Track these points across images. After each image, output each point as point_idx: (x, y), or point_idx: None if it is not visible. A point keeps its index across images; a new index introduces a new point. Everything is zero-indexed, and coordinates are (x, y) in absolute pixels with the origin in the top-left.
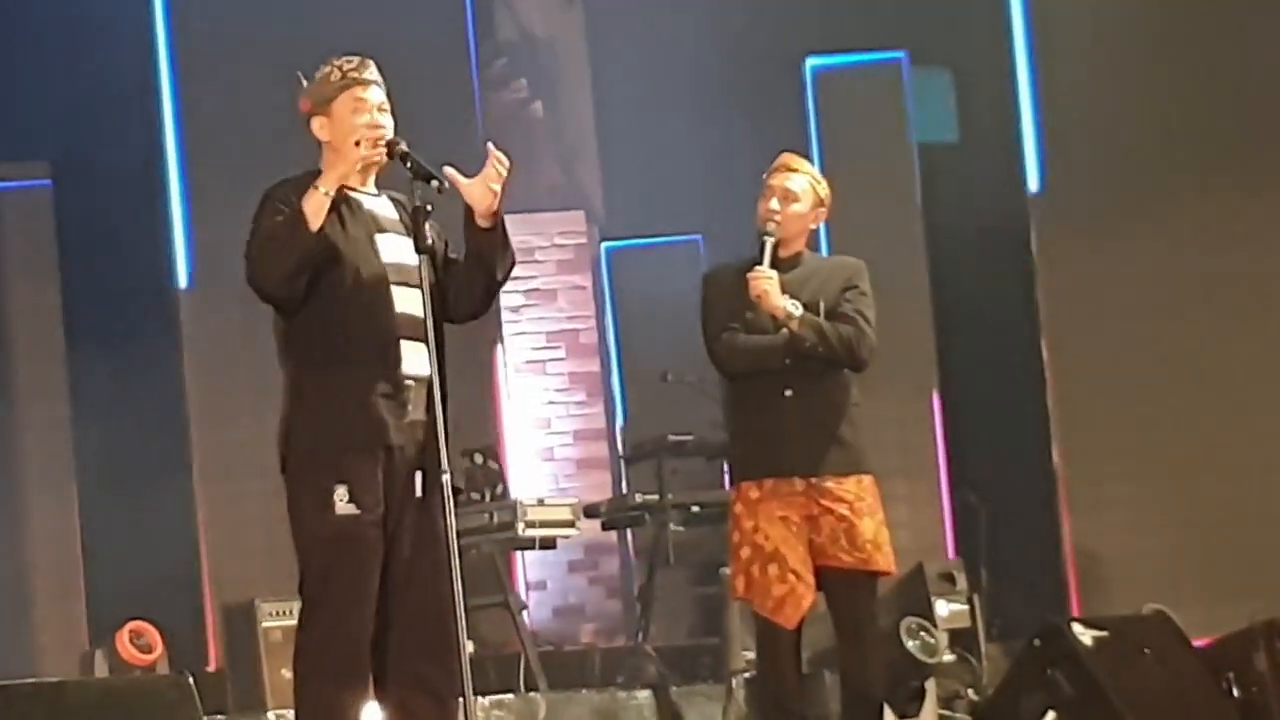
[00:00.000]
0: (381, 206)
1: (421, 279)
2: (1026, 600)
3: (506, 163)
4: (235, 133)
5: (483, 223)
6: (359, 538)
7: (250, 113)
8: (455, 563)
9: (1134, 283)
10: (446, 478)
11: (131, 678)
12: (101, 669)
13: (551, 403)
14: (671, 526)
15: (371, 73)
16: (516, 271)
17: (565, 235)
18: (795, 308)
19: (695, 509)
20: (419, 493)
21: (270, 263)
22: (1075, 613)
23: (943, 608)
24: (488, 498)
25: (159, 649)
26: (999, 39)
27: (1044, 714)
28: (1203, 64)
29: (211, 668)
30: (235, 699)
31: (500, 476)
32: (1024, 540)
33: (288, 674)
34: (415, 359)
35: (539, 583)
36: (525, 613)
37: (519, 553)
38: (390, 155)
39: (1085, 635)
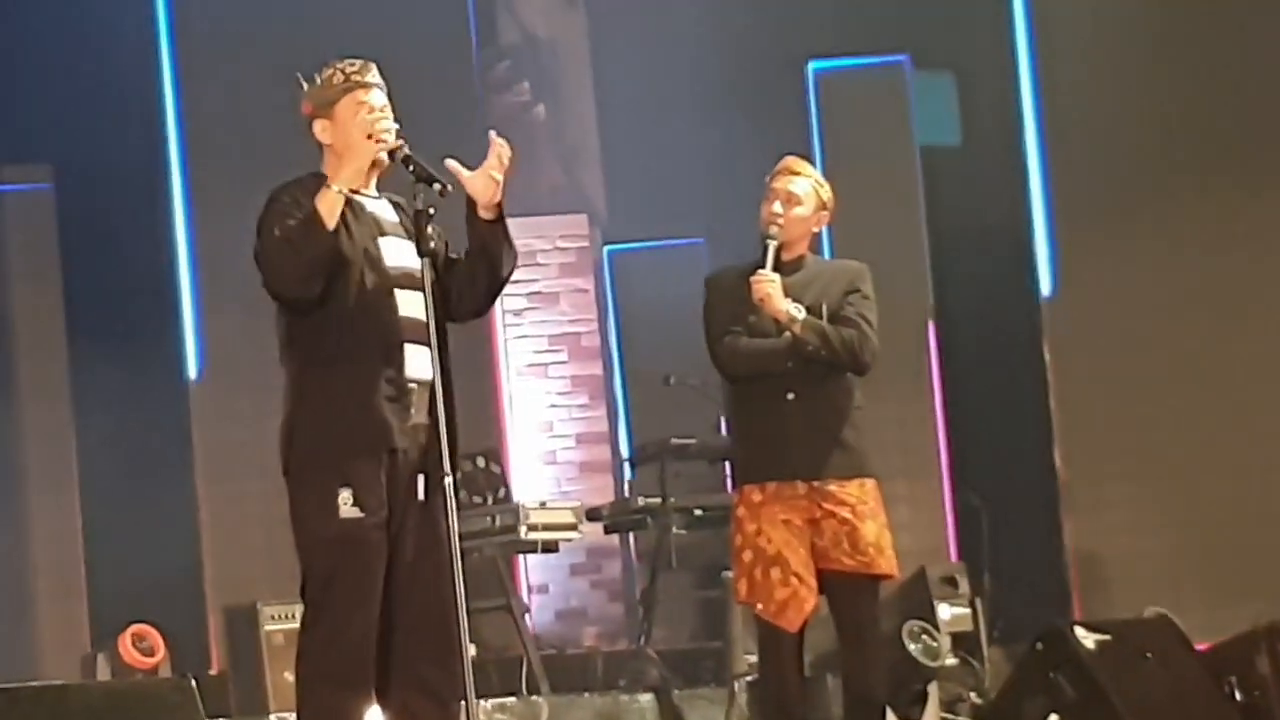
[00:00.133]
0: (383, 209)
1: (424, 282)
2: (1029, 603)
3: (509, 151)
4: (236, 134)
5: (485, 214)
6: (363, 541)
7: (251, 114)
8: (457, 566)
9: (1135, 283)
10: (449, 481)
11: (133, 680)
12: (103, 672)
13: (554, 406)
14: (674, 530)
15: (374, 75)
16: (518, 274)
17: (567, 238)
18: (798, 311)
19: (698, 512)
20: (421, 496)
21: (288, 265)
22: (1077, 616)
23: (945, 611)
24: (490, 501)
25: (161, 652)
26: (1001, 41)
27: (1046, 717)
28: (1203, 65)
29: (213, 671)
30: (237, 702)
31: (502, 480)
32: (1026, 543)
33: (290, 677)
34: (418, 362)
35: (541, 586)
36: (527, 616)
37: (521, 556)
38: (392, 158)
39: (1087, 639)
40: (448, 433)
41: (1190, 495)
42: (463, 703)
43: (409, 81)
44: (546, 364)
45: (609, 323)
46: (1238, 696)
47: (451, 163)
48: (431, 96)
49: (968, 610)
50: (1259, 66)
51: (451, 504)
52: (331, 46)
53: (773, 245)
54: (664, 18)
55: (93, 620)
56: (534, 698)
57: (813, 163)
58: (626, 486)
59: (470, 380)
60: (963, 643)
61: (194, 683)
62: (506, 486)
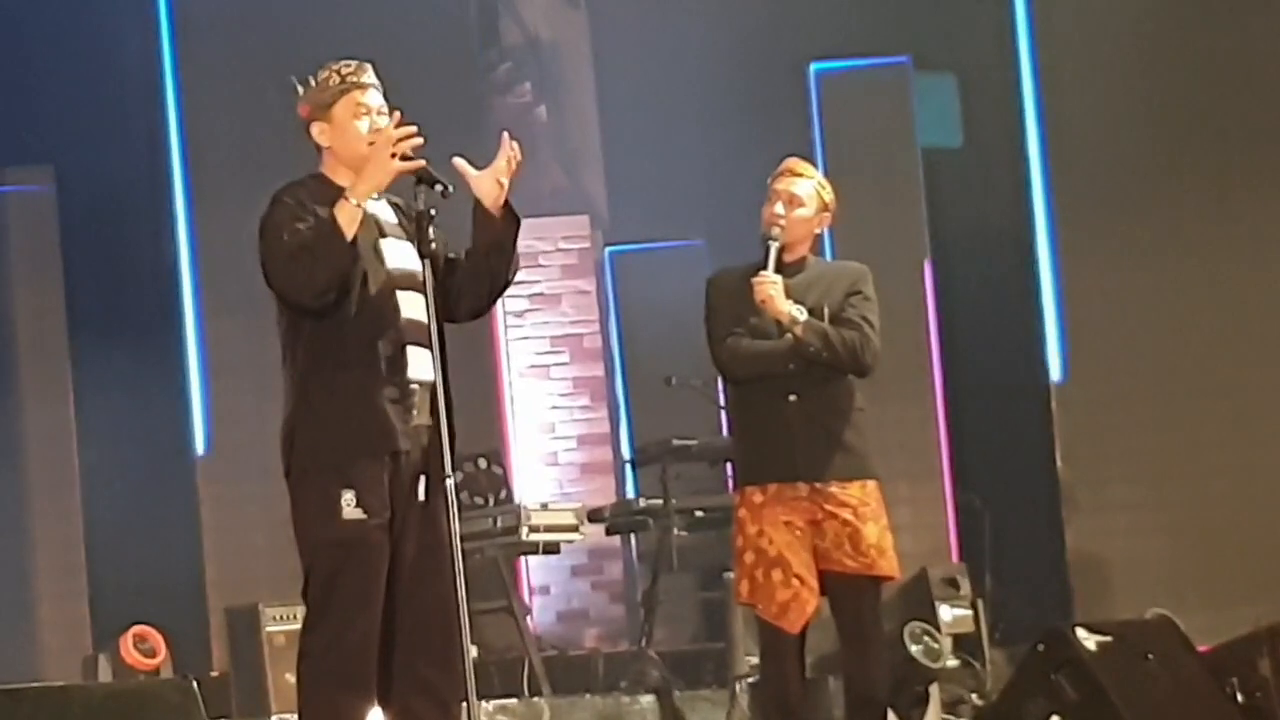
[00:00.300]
0: (383, 211)
1: (425, 283)
2: (1030, 605)
3: (519, 156)
4: (237, 135)
5: (494, 213)
6: (365, 542)
7: (253, 116)
8: (459, 567)
9: (1137, 285)
10: (450, 482)
11: (135, 682)
12: (105, 673)
13: (555, 407)
14: (675, 531)
15: (369, 76)
16: (520, 276)
17: (569, 240)
18: (800, 313)
19: (699, 513)
20: (422, 497)
21: (307, 275)
22: (1079, 617)
23: (946, 612)
24: (491, 502)
25: (162, 653)
26: (1002, 43)
27: (1048, 719)
28: (1206, 67)
29: (215, 672)
30: (238, 703)
31: (504, 481)
32: (1028, 545)
33: (291, 678)
34: (420, 364)
35: (543, 587)
36: (529, 617)
37: (523, 557)
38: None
39: (1089, 640)
40: (448, 434)
41: (1191, 497)
42: (464, 704)
43: (412, 83)
44: (548, 365)
45: (610, 324)
46: (1239, 698)
47: (459, 161)
48: (434, 98)
49: (969, 611)
50: (1260, 67)
51: (453, 505)
52: (333, 48)
53: (774, 247)
54: (666, 19)
55: (94, 621)
56: (535, 699)
57: (814, 164)
58: (628, 487)
59: (472, 382)
60: (964, 644)
61: (195, 684)
62: (508, 488)
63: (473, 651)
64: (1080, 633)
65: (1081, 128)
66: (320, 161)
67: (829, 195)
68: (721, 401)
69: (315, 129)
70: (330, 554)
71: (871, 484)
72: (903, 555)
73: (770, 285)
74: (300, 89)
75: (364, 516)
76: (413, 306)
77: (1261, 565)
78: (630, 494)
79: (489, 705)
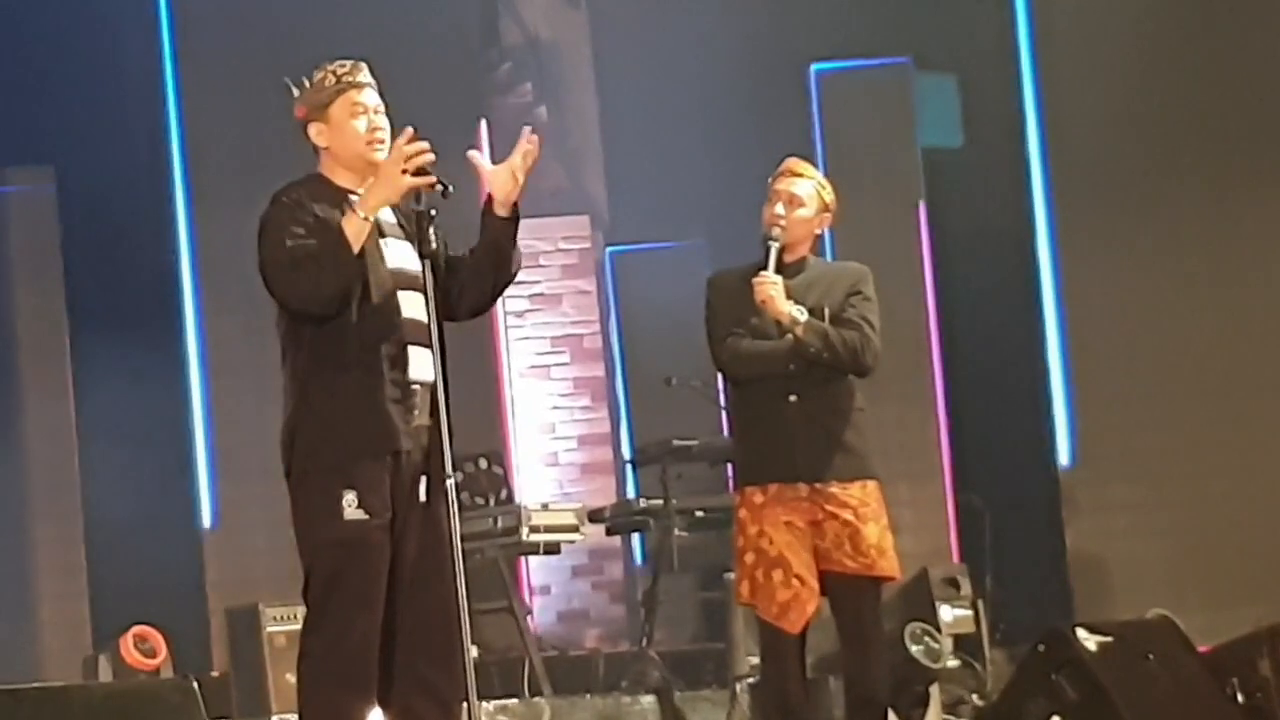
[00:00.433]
0: (382, 210)
1: (425, 283)
2: (1031, 605)
3: (537, 152)
4: (238, 135)
5: (501, 211)
6: (366, 543)
7: (253, 116)
8: (459, 567)
9: (1139, 286)
10: (451, 482)
11: (135, 682)
12: (105, 673)
13: (556, 408)
14: (676, 531)
15: (365, 75)
16: (520, 276)
17: (570, 240)
18: (800, 313)
19: (699, 514)
20: (423, 497)
21: (313, 285)
22: (1079, 618)
23: (947, 613)
24: (492, 502)
25: (163, 653)
26: (1003, 44)
27: (1048, 719)
28: (1206, 68)
29: (215, 672)
30: (239, 703)
31: (504, 481)
32: (1028, 545)
33: (292, 678)
34: (421, 364)
35: (543, 587)
36: (529, 617)
37: (523, 557)
38: None
39: (1090, 640)
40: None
41: (1192, 497)
42: (464, 704)
43: (412, 83)
44: (549, 365)
45: (611, 324)
46: (1239, 698)
47: (473, 154)
48: (435, 98)
49: (969, 612)
50: (1260, 67)
51: (453, 505)
52: (334, 48)
53: (775, 247)
54: (666, 20)
55: (94, 621)
56: (536, 699)
57: (815, 164)
58: (628, 487)
59: (472, 382)
60: (964, 644)
61: (196, 684)
62: (509, 488)
63: (473, 652)
64: (1081, 633)
65: (1082, 128)
66: (318, 162)
67: (829, 195)
68: (722, 402)
69: (313, 129)
70: (331, 554)
71: (872, 484)
72: (903, 555)
73: (771, 285)
74: (295, 90)
75: (365, 517)
76: (413, 306)
77: (1262, 565)
78: (631, 494)
79: (489, 705)
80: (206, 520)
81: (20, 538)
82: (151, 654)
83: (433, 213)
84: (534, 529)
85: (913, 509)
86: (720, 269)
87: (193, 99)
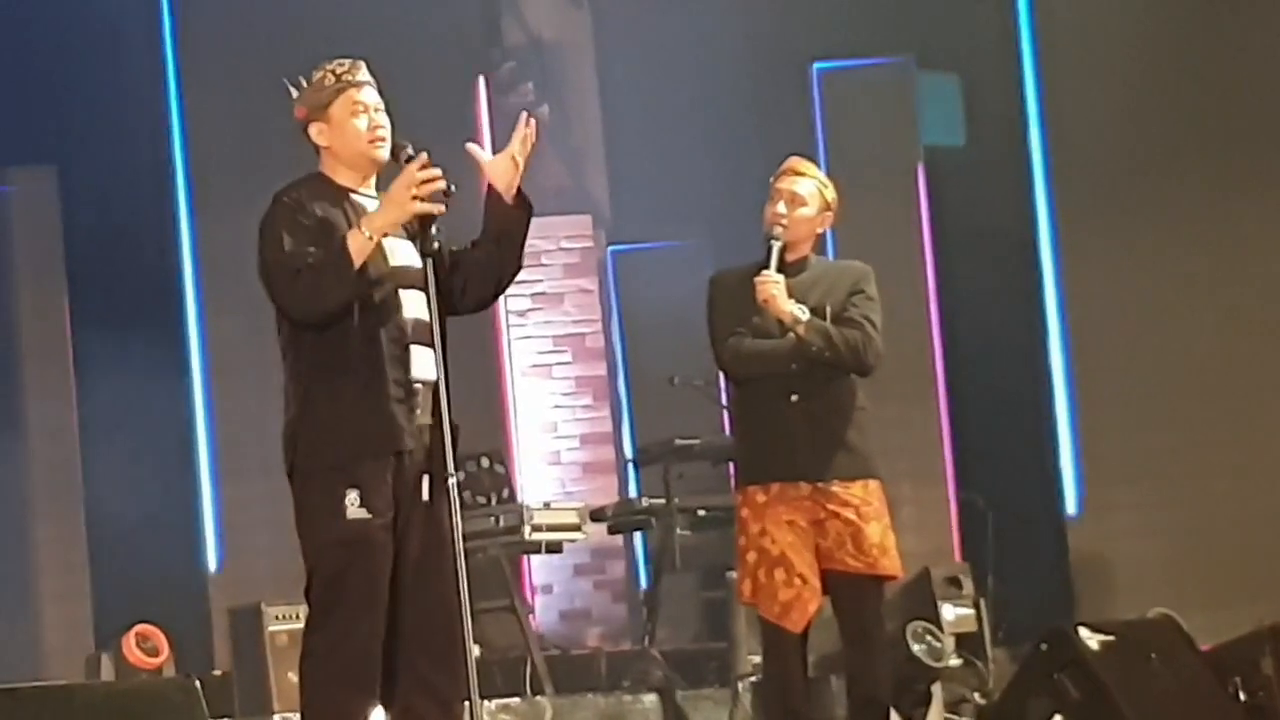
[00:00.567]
0: None
1: (427, 282)
2: (1033, 604)
3: (534, 137)
4: (240, 134)
5: (506, 198)
6: (369, 542)
7: (255, 115)
8: (461, 566)
9: (1140, 285)
10: (453, 481)
11: (137, 681)
12: (107, 672)
13: (558, 407)
14: (678, 530)
15: (364, 74)
16: (522, 275)
17: (572, 239)
18: (802, 312)
19: (701, 513)
20: (426, 496)
21: (312, 297)
22: (1081, 617)
23: (949, 612)
24: (494, 501)
25: (165, 652)
26: (1005, 43)
27: (1050, 718)
28: (1207, 67)
29: (217, 671)
30: (241, 703)
31: (507, 480)
32: (1030, 544)
33: (294, 677)
34: (423, 363)
35: (545, 586)
36: (531, 616)
37: (525, 556)
38: (396, 158)
39: (1092, 639)
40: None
41: (1194, 496)
42: (466, 703)
43: (414, 83)
44: (550, 365)
45: (613, 323)
46: (1242, 697)
47: (472, 146)
48: (437, 98)
49: (972, 611)
50: (1261, 67)
51: (455, 504)
52: (336, 47)
53: (776, 246)
54: (668, 19)
55: (97, 621)
56: (538, 698)
57: (817, 163)
58: (631, 486)
59: (475, 381)
60: (967, 643)
61: (198, 683)
62: (511, 487)
63: (475, 651)
64: (1083, 632)
65: (1084, 127)
66: (319, 161)
67: (831, 194)
68: (724, 401)
69: (313, 129)
70: (334, 554)
71: (874, 483)
72: (905, 554)
73: (772, 285)
74: (294, 91)
75: (368, 516)
76: (415, 305)
77: (1264, 564)
78: (633, 493)
79: (491, 705)
80: (208, 519)
81: (22, 537)
82: (154, 653)
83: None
84: (536, 528)
85: (915, 508)
86: (722, 268)
87: (194, 99)
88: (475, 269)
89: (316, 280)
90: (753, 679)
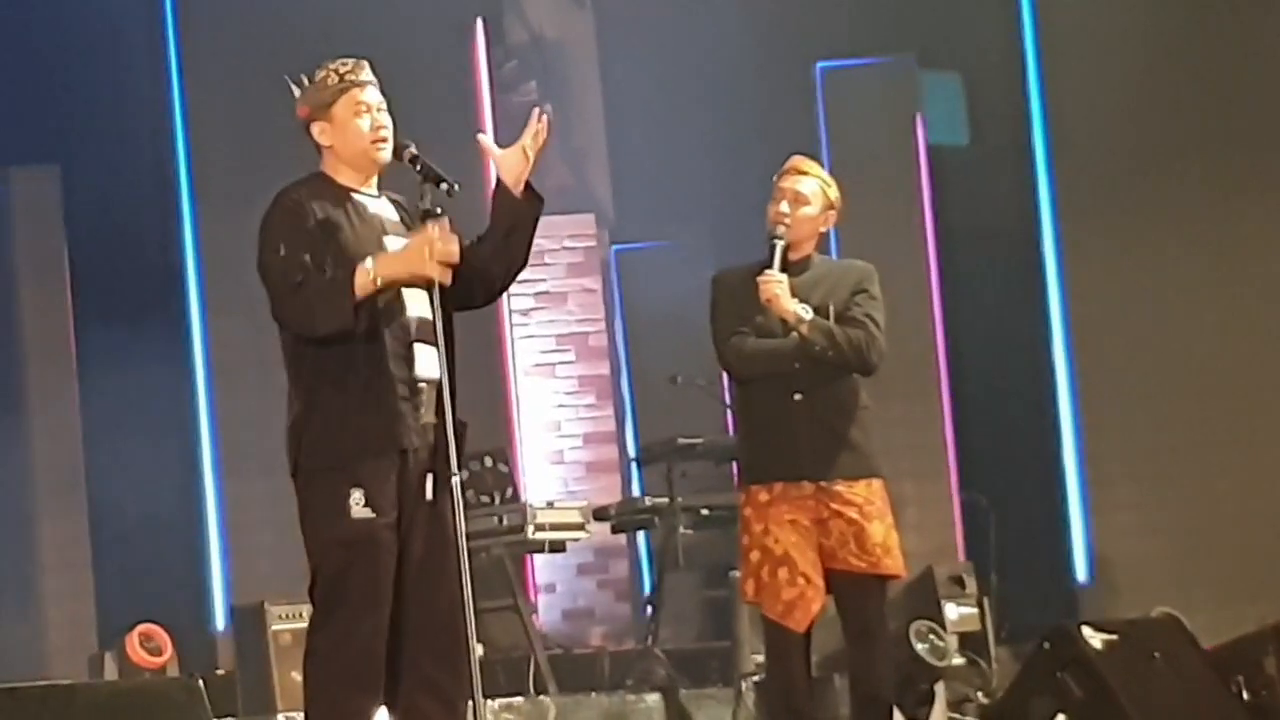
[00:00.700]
0: (385, 209)
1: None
2: (1036, 603)
3: (545, 133)
4: (242, 133)
5: (515, 191)
6: (374, 541)
7: (257, 114)
8: (465, 565)
9: (1145, 285)
10: (456, 480)
11: (141, 680)
12: (111, 672)
13: (561, 406)
14: (681, 530)
15: (367, 73)
16: (526, 274)
17: (575, 238)
18: (805, 311)
19: (705, 512)
20: (429, 495)
21: (309, 321)
22: (1085, 616)
23: (952, 611)
24: (498, 501)
25: (168, 652)
26: (1009, 42)
27: (1054, 717)
28: (1211, 65)
29: (221, 671)
30: (244, 702)
31: (510, 479)
32: (1033, 543)
33: (297, 677)
34: (426, 361)
35: (548, 585)
36: (535, 615)
37: (529, 555)
38: (399, 158)
39: (1095, 638)
40: (454, 431)
41: (1197, 495)
42: (470, 702)
43: (417, 82)
44: (554, 364)
45: (616, 323)
46: (1245, 696)
47: (483, 138)
48: (439, 97)
49: (975, 610)
50: (1265, 65)
51: (459, 503)
52: (338, 46)
53: (779, 245)
54: (671, 18)
55: (100, 620)
56: (541, 697)
57: (820, 162)
58: (634, 485)
59: (478, 380)
60: (970, 642)
61: (201, 682)
62: (514, 486)
63: (479, 650)
64: (1086, 631)
65: (1087, 125)
66: (321, 160)
67: (834, 193)
68: (727, 400)
69: (316, 129)
70: (339, 553)
71: (877, 482)
72: (908, 554)
73: (775, 284)
74: (297, 90)
75: (373, 515)
76: (419, 303)
77: (1267, 563)
78: (636, 492)
79: (495, 704)
80: (212, 518)
81: (25, 536)
82: (157, 652)
83: (439, 211)
84: (539, 527)
85: (918, 507)
86: (725, 267)
87: (196, 97)
88: (481, 264)
89: (311, 305)
90: (756, 678)
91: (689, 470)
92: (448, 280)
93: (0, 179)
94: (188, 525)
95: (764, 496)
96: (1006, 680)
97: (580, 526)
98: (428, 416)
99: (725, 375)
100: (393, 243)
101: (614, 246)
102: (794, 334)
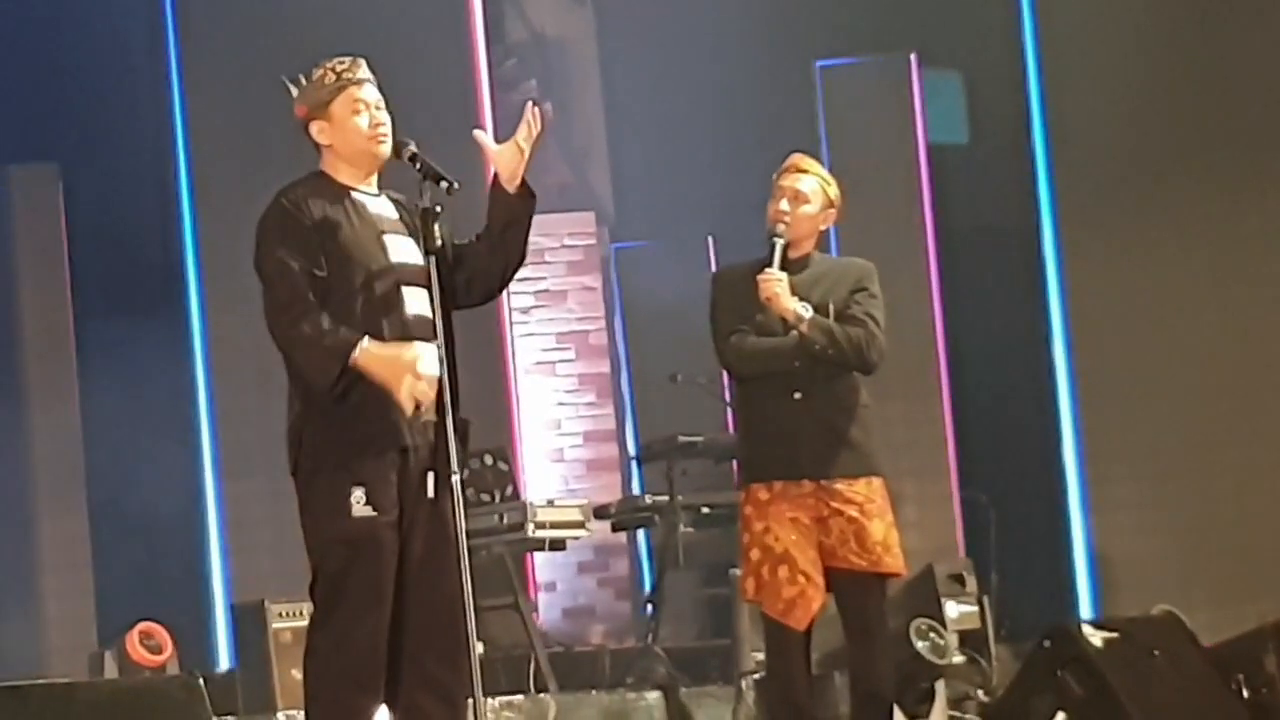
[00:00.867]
0: (384, 207)
1: (430, 279)
2: (1036, 601)
3: (539, 126)
4: (242, 132)
5: (509, 186)
6: (375, 540)
7: (258, 113)
8: (465, 563)
9: (1144, 284)
10: (456, 478)
11: (141, 679)
12: (111, 670)
13: (561, 404)
14: (681, 528)
15: (364, 71)
16: (526, 272)
17: (575, 236)
18: (805, 309)
19: (705, 510)
20: (430, 493)
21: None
22: (1085, 614)
23: (952, 609)
24: (498, 499)
25: (168, 650)
26: (1009, 40)
27: (1054, 715)
28: (1211, 64)
29: (221, 669)
30: (245, 700)
31: (510, 477)
32: (1033, 541)
33: (298, 675)
34: (427, 359)
35: (549, 584)
36: (535, 614)
37: (529, 553)
38: (399, 156)
39: (1095, 636)
40: (454, 430)
41: (1197, 493)
42: (471, 700)
43: (417, 81)
44: (554, 362)
45: (616, 321)
46: (1245, 694)
47: (479, 134)
48: (439, 95)
49: (975, 608)
50: (1265, 65)
51: (459, 501)
52: (338, 44)
53: (779, 243)
54: (671, 16)
55: (100, 618)
56: (541, 695)
57: (820, 160)
58: (634, 484)
59: (478, 378)
60: (970, 640)
61: (201, 681)
62: (514, 484)
63: (479, 648)
64: (1086, 629)
65: (1088, 125)
66: (321, 159)
67: (834, 192)
68: (727, 398)
69: (314, 128)
70: (339, 552)
71: (877, 481)
72: (908, 552)
73: (775, 282)
74: (294, 89)
75: (373, 514)
76: (417, 301)
77: (1267, 562)
78: (636, 490)
79: (495, 702)
80: (212, 516)
81: (25, 534)
82: (157, 651)
83: (438, 209)
84: (540, 525)
85: (918, 505)
86: (725, 265)
87: (197, 96)
88: (480, 262)
89: (301, 352)
90: (756, 676)
91: (689, 468)
92: (410, 411)
93: (0, 178)
94: (188, 523)
95: (764, 495)
96: (1006, 678)
97: (580, 524)
98: (427, 415)
99: (725, 373)
100: (392, 241)
101: (614, 244)
102: (794, 332)
